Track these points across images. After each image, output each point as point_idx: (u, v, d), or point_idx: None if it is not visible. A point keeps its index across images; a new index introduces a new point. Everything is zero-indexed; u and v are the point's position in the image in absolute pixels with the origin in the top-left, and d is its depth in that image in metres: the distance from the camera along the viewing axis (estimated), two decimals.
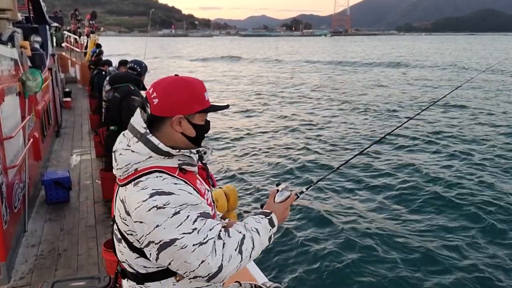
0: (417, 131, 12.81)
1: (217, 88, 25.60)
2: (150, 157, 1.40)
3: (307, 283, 5.30)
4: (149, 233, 1.32)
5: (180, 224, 1.31)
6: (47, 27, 10.09)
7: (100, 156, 7.33)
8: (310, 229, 6.66)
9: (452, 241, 6.21)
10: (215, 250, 1.34)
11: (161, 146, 1.40)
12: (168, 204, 1.31)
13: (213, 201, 1.61)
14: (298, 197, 1.71)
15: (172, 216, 1.31)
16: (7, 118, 4.10)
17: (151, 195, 1.32)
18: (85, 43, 17.51)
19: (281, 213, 1.60)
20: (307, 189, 1.85)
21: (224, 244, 1.37)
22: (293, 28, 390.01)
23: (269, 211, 1.58)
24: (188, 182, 1.42)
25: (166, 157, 1.42)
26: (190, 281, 1.42)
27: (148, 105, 1.44)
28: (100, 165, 6.78)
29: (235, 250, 1.39)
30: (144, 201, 1.32)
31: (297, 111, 17.44)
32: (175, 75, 1.50)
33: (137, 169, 1.41)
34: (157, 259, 1.36)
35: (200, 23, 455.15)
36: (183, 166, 1.45)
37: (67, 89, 13.69)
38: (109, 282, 2.99)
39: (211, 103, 1.49)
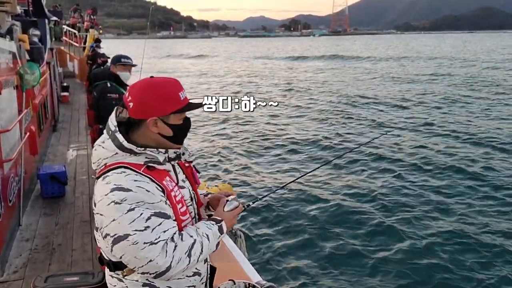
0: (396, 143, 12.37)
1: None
2: (116, 153, 1.47)
3: (301, 283, 5.31)
4: (106, 226, 1.41)
5: (133, 221, 1.37)
6: (46, 21, 10.05)
7: None
8: (304, 231, 6.65)
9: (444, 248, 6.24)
10: (166, 251, 1.41)
11: (125, 143, 1.46)
12: (125, 200, 1.38)
13: (192, 198, 1.66)
14: (245, 208, 1.79)
15: (126, 212, 1.37)
16: (4, 111, 4.09)
17: (112, 190, 1.40)
18: (84, 38, 17.46)
19: (229, 221, 1.66)
20: (253, 202, 1.94)
21: (176, 246, 1.43)
22: (292, 29, 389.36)
23: (220, 218, 1.64)
24: (154, 179, 1.46)
25: (132, 154, 1.47)
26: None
27: (126, 108, 1.51)
28: None
29: (185, 253, 1.46)
30: (105, 195, 1.40)
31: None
32: (150, 76, 1.54)
33: (106, 164, 1.49)
34: (112, 250, 1.43)
35: (199, 24, 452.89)
36: (150, 164, 1.49)
37: (65, 84, 13.63)
38: (103, 278, 2.97)
39: (188, 102, 1.54)
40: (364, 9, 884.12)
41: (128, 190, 1.39)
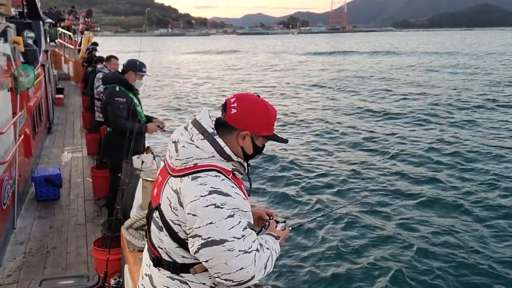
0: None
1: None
2: (213, 156, 1.47)
3: (300, 284, 5.30)
4: (199, 227, 1.38)
5: (232, 227, 1.38)
6: (41, 23, 10.02)
7: (92, 154, 7.29)
8: (304, 233, 6.60)
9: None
10: (255, 261, 1.43)
11: (226, 149, 1.48)
12: (225, 204, 1.38)
13: None
14: (290, 231, 1.83)
15: (227, 218, 1.38)
16: None
17: (210, 192, 1.39)
18: (79, 40, 17.43)
19: (282, 239, 1.72)
20: (296, 226, 1.97)
21: (260, 257, 1.47)
22: (290, 26, 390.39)
23: (278, 235, 1.68)
24: (239, 187, 1.51)
25: (225, 160, 1.50)
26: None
27: (225, 111, 1.53)
28: (92, 163, 6.73)
29: (264, 264, 1.49)
30: (202, 196, 1.38)
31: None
32: (257, 95, 1.60)
33: (196, 164, 1.47)
34: (196, 252, 1.41)
35: (197, 21, 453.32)
36: (235, 172, 1.54)
37: (59, 86, 13.60)
38: (98, 281, 2.96)
39: (274, 133, 1.61)
40: (361, 6, 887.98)
41: (227, 195, 1.40)
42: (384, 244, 6.45)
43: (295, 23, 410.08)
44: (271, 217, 1.80)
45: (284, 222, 1.77)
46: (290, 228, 1.80)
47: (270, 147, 11.70)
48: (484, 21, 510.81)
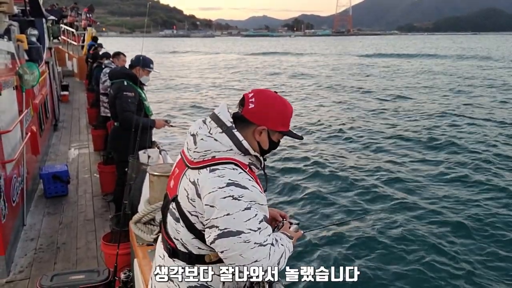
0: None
1: None
2: (231, 149, 1.50)
3: (306, 281, 5.27)
4: (217, 218, 1.40)
5: (249, 220, 1.40)
6: (44, 20, 10.02)
7: (99, 150, 7.33)
8: (314, 239, 6.42)
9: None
10: (269, 255, 1.44)
11: (244, 143, 1.51)
12: (242, 197, 1.40)
13: None
14: (302, 233, 1.84)
15: (243, 210, 1.40)
16: (4, 112, 4.09)
17: (228, 184, 1.41)
18: (83, 37, 17.43)
19: (295, 241, 1.74)
20: (310, 231, 2.10)
21: (274, 251, 1.48)
22: (295, 29, 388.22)
23: (291, 236, 1.69)
24: (256, 181, 1.53)
25: (242, 154, 1.52)
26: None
27: (243, 105, 1.55)
28: (99, 158, 6.77)
29: (277, 259, 1.49)
30: (220, 188, 1.41)
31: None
32: (274, 91, 1.63)
33: (214, 156, 1.49)
34: (212, 242, 1.43)
35: (202, 23, 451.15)
36: (251, 166, 1.56)
37: (64, 83, 13.64)
38: (108, 275, 3.00)
39: (290, 129, 1.63)
40: (366, 9, 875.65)
41: (245, 187, 1.42)
42: (398, 262, 6.05)
43: (299, 25, 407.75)
44: (284, 219, 1.82)
45: (298, 224, 1.79)
46: (303, 231, 1.82)
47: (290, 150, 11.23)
48: (489, 26, 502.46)
